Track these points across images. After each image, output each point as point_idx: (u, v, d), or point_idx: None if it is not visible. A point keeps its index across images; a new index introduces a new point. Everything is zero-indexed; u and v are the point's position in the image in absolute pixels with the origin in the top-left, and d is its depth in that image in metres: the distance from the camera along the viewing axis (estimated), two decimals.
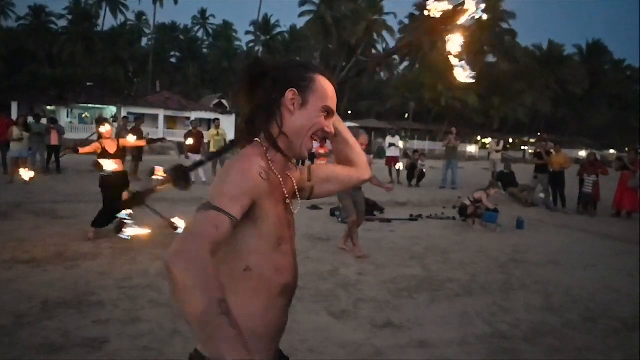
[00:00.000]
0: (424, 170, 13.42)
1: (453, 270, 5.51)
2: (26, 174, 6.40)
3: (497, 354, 3.38)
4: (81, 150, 6.13)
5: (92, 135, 7.19)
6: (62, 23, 46.76)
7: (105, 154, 5.98)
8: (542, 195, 11.25)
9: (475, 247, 6.78)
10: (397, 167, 13.49)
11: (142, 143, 7.15)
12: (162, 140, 7.04)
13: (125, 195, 5.56)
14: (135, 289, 4.30)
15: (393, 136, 14.63)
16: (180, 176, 1.79)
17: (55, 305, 3.81)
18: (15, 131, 10.92)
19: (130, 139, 7.07)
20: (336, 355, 3.23)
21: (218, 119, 13.91)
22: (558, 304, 4.52)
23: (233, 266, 1.14)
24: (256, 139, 1.21)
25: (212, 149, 12.65)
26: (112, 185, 5.98)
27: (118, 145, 6.08)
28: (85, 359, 2.99)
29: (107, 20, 49.73)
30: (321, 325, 3.71)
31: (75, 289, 4.22)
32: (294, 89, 1.20)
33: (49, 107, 29.41)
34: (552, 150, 11.07)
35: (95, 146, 6.02)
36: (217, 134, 12.66)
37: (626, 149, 44.76)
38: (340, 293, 4.49)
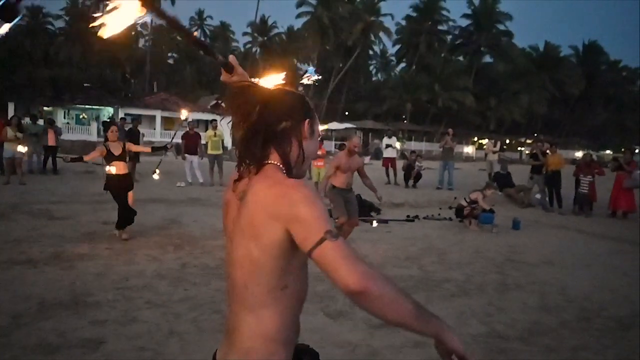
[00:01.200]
0: (421, 172, 13.44)
1: (449, 270, 5.53)
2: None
3: (493, 353, 3.40)
4: (86, 157, 6.22)
5: None
6: (59, 24, 46.70)
7: (110, 157, 6.07)
8: (538, 196, 11.29)
9: (471, 247, 6.81)
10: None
11: (148, 149, 7.15)
12: (166, 147, 7.09)
13: None
14: (132, 289, 4.30)
15: (390, 137, 14.66)
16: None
17: (52, 306, 3.81)
18: (9, 132, 10.89)
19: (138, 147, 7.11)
20: (332, 355, 3.23)
21: (216, 120, 13.91)
22: (554, 303, 4.55)
23: (272, 287, 1.19)
24: (271, 162, 1.27)
25: (209, 150, 12.66)
26: (117, 187, 6.09)
27: (123, 148, 6.17)
28: None
29: None
30: (317, 325, 3.72)
31: (72, 289, 4.22)
32: (309, 119, 1.32)
33: (45, 108, 29.35)
34: (548, 151, 11.12)
35: (100, 150, 6.14)
36: (215, 135, 12.67)
37: (622, 150, 44.77)
38: (337, 294, 4.48)
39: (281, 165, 1.26)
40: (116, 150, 6.10)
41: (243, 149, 1.29)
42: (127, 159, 6.33)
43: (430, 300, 4.48)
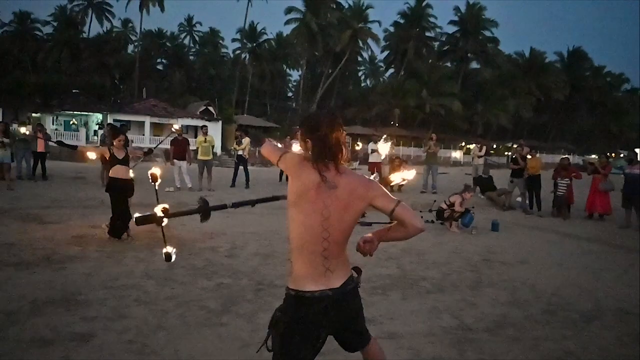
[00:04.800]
0: None
1: (427, 269, 5.78)
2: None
3: (460, 343, 3.64)
4: (83, 149, 6.46)
5: None
6: (47, 30, 46.64)
7: (114, 160, 6.33)
8: (519, 199, 11.60)
9: (450, 248, 7.07)
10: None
11: (140, 154, 7.45)
12: (149, 152, 7.44)
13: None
14: (121, 288, 4.49)
15: (375, 143, 14.92)
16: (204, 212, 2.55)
17: (44, 304, 3.99)
18: None
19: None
20: None
21: (206, 126, 14.12)
22: (522, 299, 4.81)
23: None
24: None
25: (199, 156, 12.83)
26: (120, 190, 6.32)
27: (126, 153, 6.40)
28: (74, 352, 3.19)
29: (92, 27, 49.74)
30: None
31: (63, 289, 4.40)
32: None
33: (34, 114, 29.28)
34: (528, 155, 11.45)
35: (103, 150, 6.39)
36: (205, 141, 12.86)
37: (607, 154, 45.42)
38: None
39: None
40: (120, 154, 6.35)
41: (336, 154, 2.00)
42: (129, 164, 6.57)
43: (406, 296, 4.72)
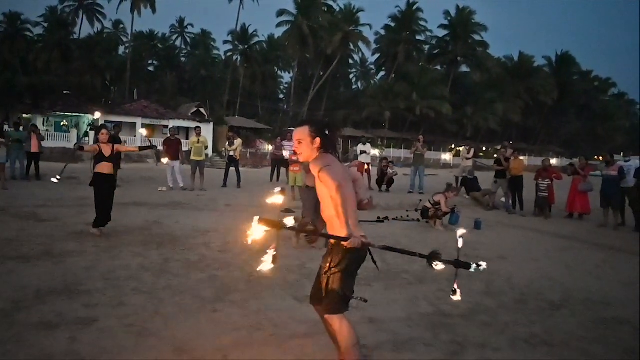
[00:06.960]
0: (393, 177, 14.06)
1: (409, 263, 6.08)
2: None
3: (435, 327, 3.96)
4: (85, 148, 6.88)
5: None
6: (38, 31, 46.48)
7: (101, 156, 6.58)
8: (503, 199, 11.98)
9: (433, 244, 7.36)
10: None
11: (135, 149, 7.82)
12: (152, 147, 7.67)
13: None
14: (119, 279, 4.75)
15: (364, 144, 15.28)
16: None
17: (47, 293, 4.25)
18: None
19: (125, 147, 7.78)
20: (297, 329, 3.75)
21: (199, 127, 14.38)
22: (497, 290, 5.14)
23: None
24: None
25: (192, 156, 13.10)
26: (103, 185, 6.58)
27: (112, 149, 6.65)
28: (79, 334, 3.45)
29: (83, 28, 49.68)
30: (286, 307, 4.23)
31: (64, 280, 4.66)
32: None
33: (25, 115, 29.30)
34: (512, 157, 11.82)
35: (94, 147, 6.70)
36: (198, 142, 13.12)
37: (595, 157, 46.42)
38: (305, 283, 4.99)
39: None
40: (106, 151, 6.60)
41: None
42: (118, 162, 6.85)
43: (389, 287, 5.03)
